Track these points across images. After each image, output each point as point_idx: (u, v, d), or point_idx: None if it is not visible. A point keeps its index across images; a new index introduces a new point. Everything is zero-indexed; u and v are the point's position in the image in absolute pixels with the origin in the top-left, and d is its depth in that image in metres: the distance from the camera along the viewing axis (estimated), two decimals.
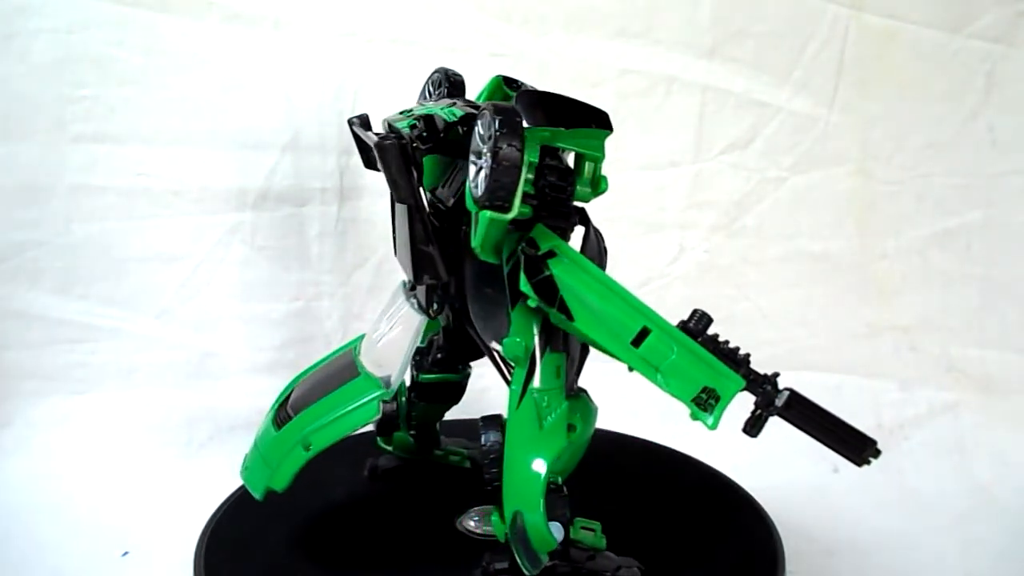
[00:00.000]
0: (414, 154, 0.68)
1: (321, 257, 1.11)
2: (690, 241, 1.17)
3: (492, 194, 0.60)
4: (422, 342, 0.81)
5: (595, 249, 0.68)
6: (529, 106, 0.62)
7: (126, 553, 0.86)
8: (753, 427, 0.65)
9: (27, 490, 0.96)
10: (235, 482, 0.80)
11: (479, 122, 0.63)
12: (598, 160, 0.64)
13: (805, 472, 1.01)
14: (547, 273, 0.63)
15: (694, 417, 0.64)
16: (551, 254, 0.64)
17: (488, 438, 0.68)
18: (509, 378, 0.68)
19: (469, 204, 0.63)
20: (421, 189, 0.69)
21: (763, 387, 0.65)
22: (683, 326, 0.65)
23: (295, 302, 1.11)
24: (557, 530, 0.66)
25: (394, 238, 0.77)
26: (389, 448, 0.86)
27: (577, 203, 0.66)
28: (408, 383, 0.83)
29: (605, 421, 0.73)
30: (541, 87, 0.68)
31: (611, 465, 0.85)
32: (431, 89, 0.79)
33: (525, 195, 0.62)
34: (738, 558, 0.78)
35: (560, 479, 0.67)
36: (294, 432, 0.73)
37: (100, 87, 1.02)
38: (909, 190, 1.16)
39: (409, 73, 0.83)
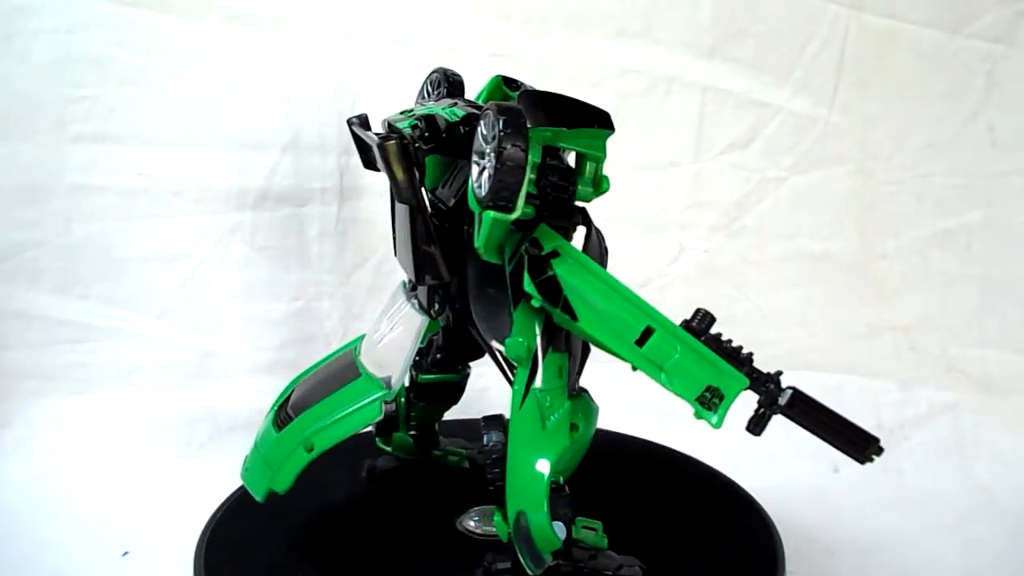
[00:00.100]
0: (416, 154, 0.67)
1: (321, 257, 1.11)
2: (690, 241, 1.17)
3: (496, 194, 0.60)
4: (421, 342, 0.81)
5: (597, 249, 0.69)
6: (531, 106, 0.62)
7: (126, 553, 0.86)
8: (757, 426, 0.66)
9: (27, 490, 0.96)
10: (235, 482, 0.80)
11: (482, 122, 0.63)
12: (600, 160, 0.64)
13: (805, 472, 1.01)
14: (551, 273, 0.63)
15: (698, 416, 0.64)
16: (554, 254, 0.64)
17: (490, 438, 0.68)
18: (511, 378, 0.68)
19: (472, 204, 0.63)
20: (422, 189, 0.69)
21: (766, 386, 0.65)
22: (686, 325, 0.65)
23: (295, 302, 1.11)
24: (560, 529, 0.66)
25: (394, 238, 0.77)
26: (388, 449, 0.86)
27: (578, 203, 0.66)
28: (407, 384, 0.83)
29: (605, 421, 0.73)
30: (541, 87, 0.68)
31: (611, 465, 0.85)
32: (429, 89, 0.79)
33: (528, 195, 0.62)
34: (738, 558, 0.78)
35: (562, 478, 0.67)
36: (295, 433, 0.73)
37: (100, 87, 1.02)
38: (909, 190, 1.16)
39: (409, 73, 0.83)
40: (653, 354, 0.63)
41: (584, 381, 0.72)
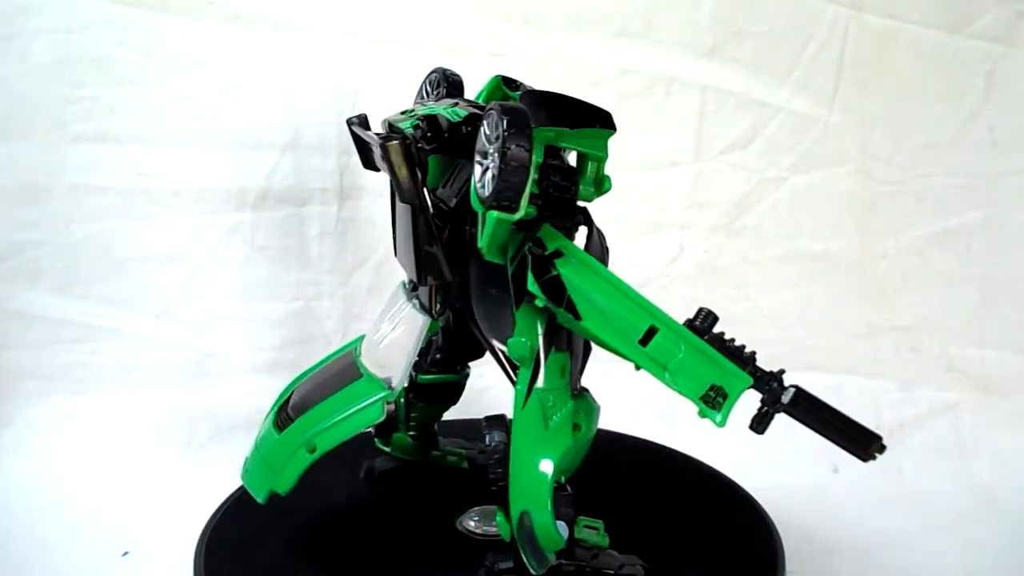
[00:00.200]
0: (418, 154, 0.67)
1: (321, 257, 1.11)
2: (690, 241, 1.17)
3: (500, 194, 0.60)
4: (421, 343, 0.81)
5: (598, 249, 0.69)
6: (533, 106, 0.62)
7: (126, 553, 0.86)
8: (760, 424, 0.66)
9: (27, 490, 0.96)
10: (235, 482, 0.80)
11: (485, 122, 0.63)
12: (601, 160, 0.65)
13: (805, 472, 1.01)
14: (554, 273, 0.63)
15: (702, 415, 0.64)
16: (558, 254, 0.64)
17: (493, 438, 0.68)
18: (514, 378, 0.68)
19: (475, 204, 0.63)
20: (424, 189, 0.69)
21: (769, 384, 0.65)
22: (690, 324, 0.65)
23: (295, 302, 1.11)
24: (562, 529, 0.66)
25: (394, 238, 0.77)
26: (387, 449, 0.86)
27: (580, 203, 0.66)
28: (406, 384, 0.83)
29: (605, 421, 0.73)
30: (541, 87, 0.68)
31: (611, 465, 0.85)
32: (428, 89, 0.78)
33: (530, 195, 0.62)
34: (738, 558, 0.78)
35: (563, 478, 0.67)
36: (297, 434, 0.73)
37: (100, 87, 1.02)
38: (909, 190, 1.16)
39: (409, 73, 0.83)
40: (657, 353, 0.64)
41: (584, 381, 0.72)
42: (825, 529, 0.92)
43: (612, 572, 0.70)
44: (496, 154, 0.60)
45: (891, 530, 0.93)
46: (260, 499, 0.74)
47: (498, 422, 0.69)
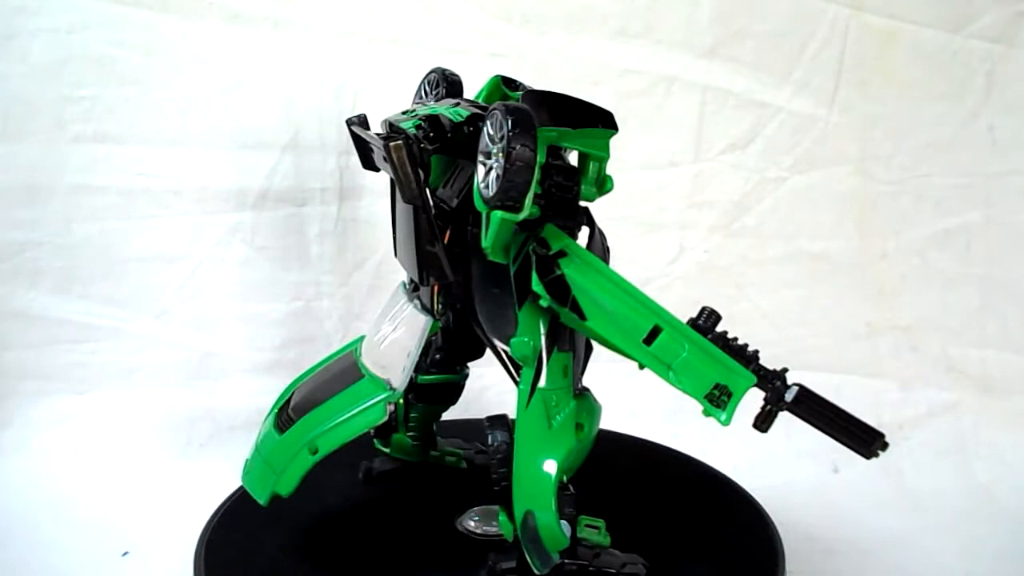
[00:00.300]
0: (421, 154, 0.67)
1: (321, 257, 1.11)
2: (690, 241, 1.17)
3: (505, 194, 0.60)
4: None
5: (599, 249, 0.69)
6: (535, 106, 0.62)
7: (126, 553, 0.86)
8: (763, 422, 0.66)
9: (27, 490, 0.96)
10: (235, 482, 0.80)
11: (488, 122, 0.63)
12: (603, 160, 0.65)
13: (805, 472, 1.01)
14: (559, 273, 0.64)
15: (707, 414, 0.64)
16: (562, 254, 0.64)
17: (496, 438, 0.68)
18: (517, 378, 0.68)
19: (479, 204, 0.63)
20: (426, 189, 0.69)
21: (773, 383, 0.65)
22: (693, 323, 0.65)
23: (295, 302, 1.11)
24: (565, 528, 0.66)
25: (394, 238, 0.77)
26: (386, 450, 0.86)
27: (581, 203, 0.66)
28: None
29: (605, 421, 0.73)
30: (541, 87, 0.68)
31: (611, 465, 0.85)
32: (427, 89, 0.78)
33: (534, 195, 0.62)
34: (738, 558, 0.78)
35: (565, 477, 0.67)
36: (299, 436, 0.73)
37: (100, 87, 1.02)
38: (909, 190, 1.16)
39: (409, 73, 0.83)
40: (661, 352, 0.64)
41: (585, 381, 0.72)
42: (825, 529, 0.92)
43: (614, 571, 0.70)
44: (501, 154, 0.60)
45: (891, 530, 0.93)
46: (262, 501, 0.74)
47: (500, 422, 0.69)
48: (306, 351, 1.07)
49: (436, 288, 0.73)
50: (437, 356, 0.82)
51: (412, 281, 0.77)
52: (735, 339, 0.65)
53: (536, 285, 0.64)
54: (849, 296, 1.17)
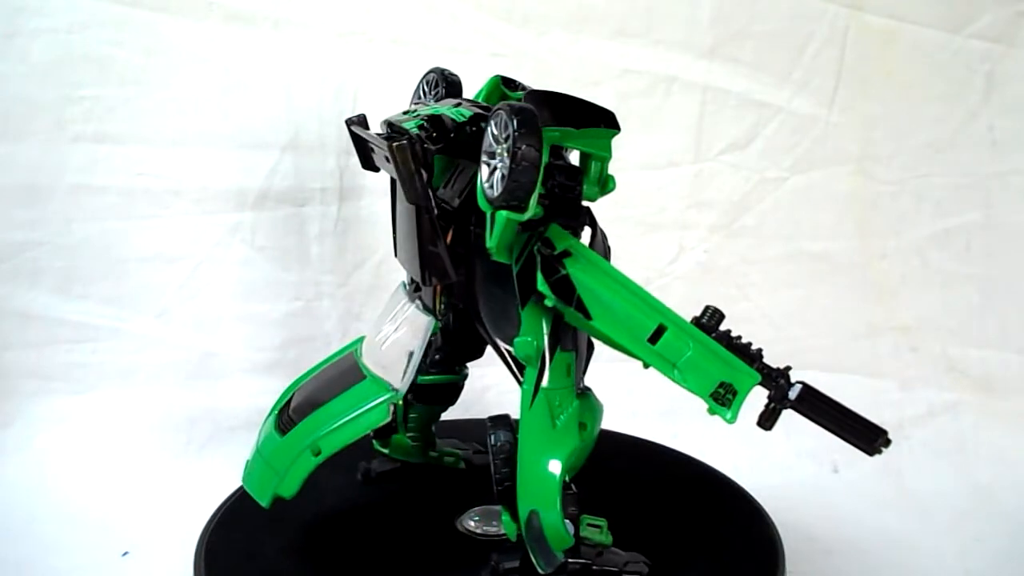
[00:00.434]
0: (424, 155, 0.67)
1: (321, 257, 1.11)
2: (690, 241, 1.17)
3: (510, 194, 0.60)
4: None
5: (601, 248, 0.69)
6: (537, 106, 0.62)
7: (126, 553, 0.86)
8: (767, 420, 0.66)
9: (27, 490, 0.96)
10: (235, 483, 0.80)
11: (492, 122, 0.62)
12: (605, 160, 0.65)
13: (805, 472, 1.01)
14: (564, 272, 0.64)
15: (712, 412, 0.64)
16: (566, 253, 0.64)
17: (498, 438, 0.68)
18: (520, 378, 0.68)
19: (482, 204, 0.63)
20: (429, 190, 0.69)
21: (777, 381, 0.66)
22: (697, 322, 0.65)
23: (295, 302, 1.11)
24: (569, 528, 0.66)
25: (395, 239, 0.77)
26: (385, 451, 0.86)
27: (583, 202, 0.66)
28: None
29: (605, 421, 0.73)
30: (541, 87, 0.68)
31: (611, 465, 0.84)
32: (426, 89, 0.78)
33: (538, 195, 0.62)
34: (738, 557, 0.78)
35: (568, 477, 0.67)
36: (301, 437, 0.73)
37: (100, 87, 1.02)
38: (909, 190, 1.16)
39: (409, 73, 0.83)
40: (666, 351, 0.64)
41: (586, 381, 0.72)
42: (825, 529, 0.92)
43: (617, 570, 0.70)
44: (506, 154, 0.60)
45: (891, 530, 0.93)
46: (264, 503, 0.74)
47: (503, 422, 0.69)
48: (306, 351, 1.07)
49: (438, 288, 0.73)
50: (437, 356, 0.82)
51: (413, 281, 0.77)
52: (739, 337, 0.66)
53: (541, 285, 0.64)
54: (849, 296, 1.17)
